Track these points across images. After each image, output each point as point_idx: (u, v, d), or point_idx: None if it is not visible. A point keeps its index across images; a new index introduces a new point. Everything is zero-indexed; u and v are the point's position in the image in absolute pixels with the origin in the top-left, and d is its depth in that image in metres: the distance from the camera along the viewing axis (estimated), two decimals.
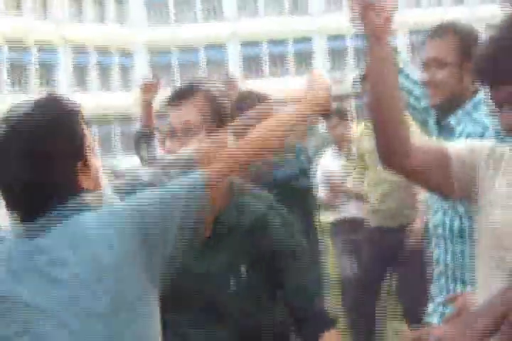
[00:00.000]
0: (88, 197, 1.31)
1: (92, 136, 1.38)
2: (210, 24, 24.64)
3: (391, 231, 3.60)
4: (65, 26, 22.19)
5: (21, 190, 1.26)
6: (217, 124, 1.62)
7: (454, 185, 1.48)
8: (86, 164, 1.31)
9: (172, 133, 1.63)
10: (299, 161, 2.81)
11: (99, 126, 23.14)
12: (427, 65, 2.19)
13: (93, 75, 23.65)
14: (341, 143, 4.21)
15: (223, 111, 1.65)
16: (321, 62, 24.80)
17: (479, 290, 1.52)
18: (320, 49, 25.16)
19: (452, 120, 2.16)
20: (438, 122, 2.24)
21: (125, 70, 24.57)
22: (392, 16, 1.39)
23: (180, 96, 1.63)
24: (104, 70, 24.01)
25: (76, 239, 1.25)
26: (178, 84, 1.72)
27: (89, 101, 22.35)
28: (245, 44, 24.70)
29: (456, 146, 1.52)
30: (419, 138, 1.75)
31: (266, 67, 25.10)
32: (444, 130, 2.20)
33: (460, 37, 2.10)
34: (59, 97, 1.33)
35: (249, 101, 2.63)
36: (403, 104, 1.49)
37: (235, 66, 24.49)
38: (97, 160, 1.36)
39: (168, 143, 1.66)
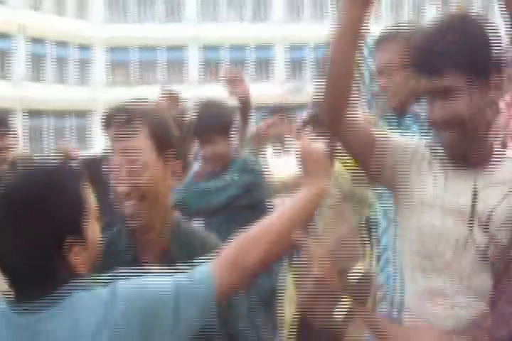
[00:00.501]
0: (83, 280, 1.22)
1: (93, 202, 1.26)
2: (171, 25, 24.50)
3: None
4: (22, 14, 21.69)
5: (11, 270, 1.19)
6: (162, 149, 1.50)
7: (380, 172, 1.51)
8: (81, 243, 1.21)
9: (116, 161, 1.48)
10: (241, 179, 2.69)
11: (54, 117, 22.75)
12: (379, 72, 2.22)
13: (49, 67, 23.22)
14: (281, 140, 4.24)
15: (167, 136, 1.52)
16: (280, 71, 24.92)
17: (408, 296, 1.53)
18: (280, 57, 25.29)
19: (408, 120, 2.20)
20: (398, 123, 2.29)
21: (83, 65, 24.22)
22: None
23: (119, 125, 1.47)
24: (61, 63, 23.60)
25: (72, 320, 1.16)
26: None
27: (44, 92, 22.01)
28: (206, 48, 24.63)
29: (394, 138, 1.55)
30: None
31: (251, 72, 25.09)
32: (402, 127, 2.23)
33: (408, 40, 2.10)
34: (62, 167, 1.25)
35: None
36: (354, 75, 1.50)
37: (194, 69, 24.41)
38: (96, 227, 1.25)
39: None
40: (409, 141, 1.61)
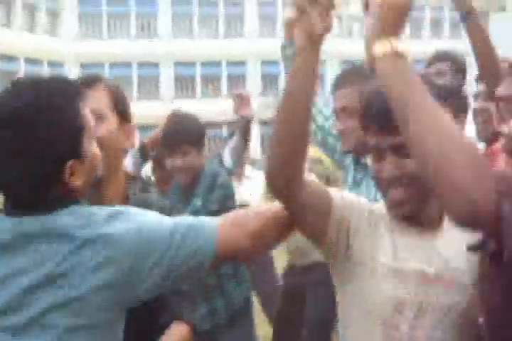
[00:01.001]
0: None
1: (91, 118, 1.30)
2: (144, 42, 24.48)
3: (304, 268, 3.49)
4: None
5: (9, 180, 1.20)
6: (120, 114, 1.68)
7: (327, 235, 1.36)
8: (80, 163, 1.23)
9: None
10: (211, 199, 2.74)
11: None
12: (337, 115, 2.20)
13: None
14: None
15: (123, 101, 1.72)
16: (253, 86, 25.00)
17: None
18: (253, 73, 25.38)
19: (368, 160, 2.18)
20: (356, 162, 2.27)
21: None
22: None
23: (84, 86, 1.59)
24: None
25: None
26: None
27: None
28: (179, 64, 24.63)
29: (341, 196, 1.40)
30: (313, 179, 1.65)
31: (198, 88, 25.08)
32: (361, 170, 2.21)
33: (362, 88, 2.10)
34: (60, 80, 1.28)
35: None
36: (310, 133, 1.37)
37: (167, 85, 24.38)
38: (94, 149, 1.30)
39: None
40: (363, 200, 1.49)
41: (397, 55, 1.13)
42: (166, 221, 1.27)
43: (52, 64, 23.22)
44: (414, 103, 1.09)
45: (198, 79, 25.08)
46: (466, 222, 1.05)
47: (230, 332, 2.80)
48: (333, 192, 1.41)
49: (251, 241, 1.30)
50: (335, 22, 1.32)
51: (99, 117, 1.58)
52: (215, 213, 2.55)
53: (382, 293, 1.36)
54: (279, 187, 1.29)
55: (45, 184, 1.20)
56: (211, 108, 20.78)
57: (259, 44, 24.38)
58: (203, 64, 24.89)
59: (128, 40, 24.49)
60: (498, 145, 2.50)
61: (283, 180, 1.27)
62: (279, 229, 1.37)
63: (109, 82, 1.72)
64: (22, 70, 22.52)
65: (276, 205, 1.35)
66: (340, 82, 2.20)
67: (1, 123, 1.17)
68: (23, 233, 1.19)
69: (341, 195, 1.41)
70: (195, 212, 2.59)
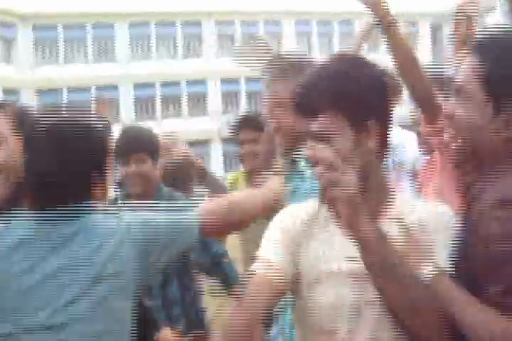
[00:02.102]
0: (97, 204, 1.51)
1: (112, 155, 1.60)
2: (101, 64, 24.34)
3: None
4: None
5: (45, 180, 1.44)
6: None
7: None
8: (102, 176, 1.51)
9: None
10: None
11: None
12: (269, 109, 2.12)
13: None
14: None
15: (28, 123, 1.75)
16: (214, 105, 25.02)
17: None
18: (214, 91, 25.41)
19: (302, 163, 2.11)
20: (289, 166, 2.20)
21: None
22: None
23: None
24: None
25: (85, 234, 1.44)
26: None
27: None
28: (137, 85, 24.53)
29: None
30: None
31: (158, 109, 24.98)
32: (297, 173, 2.15)
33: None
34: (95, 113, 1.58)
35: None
36: None
37: (126, 107, 24.23)
38: (111, 176, 1.59)
39: None
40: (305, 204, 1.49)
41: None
42: (158, 218, 1.58)
43: (7, 91, 22.89)
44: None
45: (158, 100, 25.00)
46: None
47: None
48: (270, 273, 1.36)
49: (226, 227, 1.69)
50: None
51: None
52: None
53: (314, 298, 1.35)
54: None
55: (77, 189, 1.48)
56: (172, 128, 20.69)
57: (219, 63, 24.46)
58: (163, 84, 24.84)
59: (85, 64, 24.33)
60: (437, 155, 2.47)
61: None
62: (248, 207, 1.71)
63: (13, 106, 1.77)
64: None
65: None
66: (276, 74, 2.13)
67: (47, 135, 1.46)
68: (58, 233, 1.44)
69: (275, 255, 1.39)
70: None
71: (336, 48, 25.06)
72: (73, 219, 1.45)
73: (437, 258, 1.30)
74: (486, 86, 1.28)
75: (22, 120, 1.71)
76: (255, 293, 1.33)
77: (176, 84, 24.97)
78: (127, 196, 2.74)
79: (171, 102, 25.26)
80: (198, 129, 22.95)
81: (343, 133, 1.32)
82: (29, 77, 23.38)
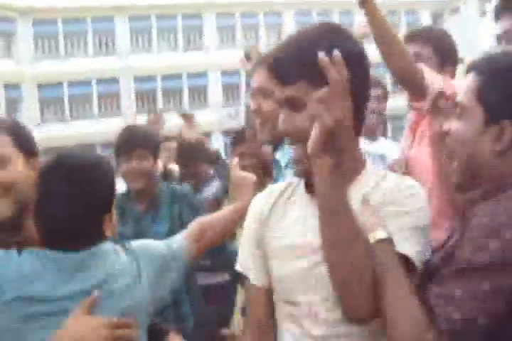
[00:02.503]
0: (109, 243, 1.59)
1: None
2: (102, 58, 24.28)
3: None
4: None
5: (63, 224, 1.48)
6: (26, 154, 1.70)
7: None
8: (111, 217, 1.58)
9: None
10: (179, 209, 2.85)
11: None
12: (252, 95, 2.10)
13: None
14: None
15: (28, 139, 1.76)
16: (215, 97, 24.97)
17: None
18: (214, 84, 25.35)
19: (278, 154, 2.11)
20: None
21: (12, 103, 23.68)
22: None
23: None
24: None
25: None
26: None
27: None
28: (139, 79, 24.47)
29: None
30: None
31: (160, 102, 24.94)
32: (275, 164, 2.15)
33: None
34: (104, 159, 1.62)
35: None
36: None
37: (128, 101, 24.19)
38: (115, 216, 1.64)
39: None
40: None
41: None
42: (159, 245, 1.77)
43: (9, 86, 22.87)
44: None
45: (159, 93, 24.95)
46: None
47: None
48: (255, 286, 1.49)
49: (207, 246, 1.92)
50: None
51: (2, 161, 1.62)
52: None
53: (279, 270, 1.40)
54: None
55: (89, 228, 1.54)
56: (174, 122, 20.66)
57: (219, 55, 24.39)
58: (164, 77, 24.78)
59: (86, 58, 24.27)
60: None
61: None
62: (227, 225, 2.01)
63: (8, 123, 1.72)
64: None
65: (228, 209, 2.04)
66: (259, 62, 2.15)
67: (63, 176, 1.51)
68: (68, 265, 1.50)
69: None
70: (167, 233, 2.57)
71: None
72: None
73: (388, 228, 1.30)
74: (478, 97, 1.30)
75: (22, 138, 1.70)
76: (255, 305, 1.47)
77: (178, 77, 24.91)
78: (128, 192, 2.76)
79: (172, 95, 25.21)
80: (199, 121, 22.92)
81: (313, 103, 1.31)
82: (30, 72, 23.33)
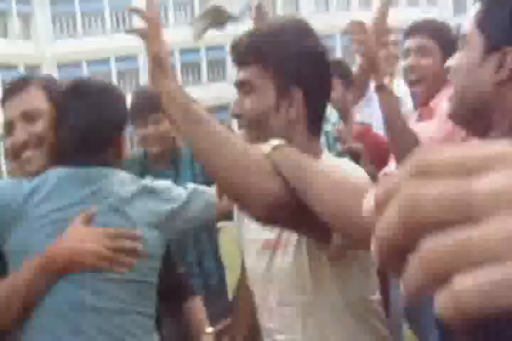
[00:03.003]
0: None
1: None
2: (119, 35, 24.35)
3: None
4: None
5: (78, 134, 1.55)
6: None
7: None
8: (123, 140, 1.63)
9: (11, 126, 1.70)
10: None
11: None
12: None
13: None
14: None
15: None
16: (234, 70, 24.87)
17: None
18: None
19: None
20: None
21: None
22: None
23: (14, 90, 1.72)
24: None
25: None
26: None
27: None
28: None
29: None
30: None
31: (178, 76, 24.96)
32: None
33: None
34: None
35: None
36: None
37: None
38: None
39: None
40: None
41: None
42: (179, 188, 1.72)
43: (28, 67, 23.11)
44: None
45: (178, 67, 24.97)
46: (265, 216, 1.11)
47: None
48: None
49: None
50: None
51: (37, 115, 1.67)
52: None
53: (245, 265, 1.44)
54: None
55: (101, 143, 1.59)
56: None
57: (235, 27, 24.21)
58: (181, 51, 24.76)
59: (104, 36, 24.35)
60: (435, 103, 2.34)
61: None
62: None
63: (40, 79, 1.76)
64: None
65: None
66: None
67: (79, 95, 1.60)
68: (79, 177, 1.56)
69: None
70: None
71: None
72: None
73: None
74: (478, 23, 1.20)
75: (52, 92, 1.73)
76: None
77: (196, 50, 24.84)
78: (146, 155, 2.76)
79: (191, 68, 25.19)
80: (217, 95, 22.90)
81: (264, 91, 1.31)
82: (48, 52, 23.52)
